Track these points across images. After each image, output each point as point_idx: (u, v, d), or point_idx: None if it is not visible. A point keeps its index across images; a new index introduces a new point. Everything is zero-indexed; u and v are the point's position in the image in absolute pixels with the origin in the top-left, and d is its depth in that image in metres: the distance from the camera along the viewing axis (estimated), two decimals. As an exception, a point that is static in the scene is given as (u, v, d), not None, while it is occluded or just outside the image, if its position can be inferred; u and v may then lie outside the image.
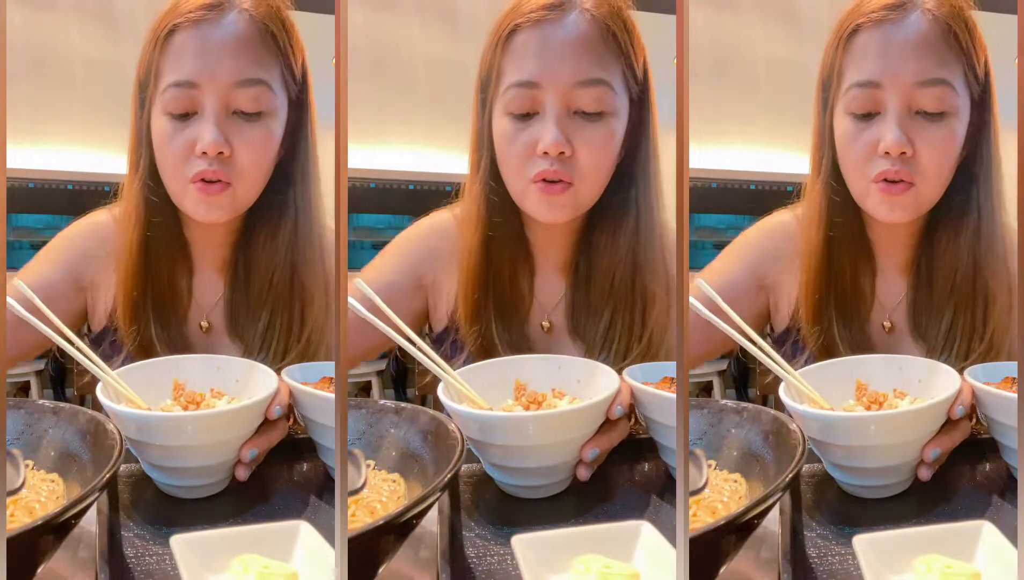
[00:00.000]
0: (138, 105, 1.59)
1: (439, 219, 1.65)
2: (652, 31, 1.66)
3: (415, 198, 1.71)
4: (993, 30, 1.65)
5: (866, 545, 1.45)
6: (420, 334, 1.61)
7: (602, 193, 1.61)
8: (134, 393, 1.51)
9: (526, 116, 1.58)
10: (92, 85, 1.66)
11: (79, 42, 1.67)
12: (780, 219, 1.66)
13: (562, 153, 1.56)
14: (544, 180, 1.57)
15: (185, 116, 1.55)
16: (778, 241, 1.65)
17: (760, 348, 1.54)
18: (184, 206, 1.58)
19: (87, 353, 1.50)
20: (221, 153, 1.54)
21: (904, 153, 1.55)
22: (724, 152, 1.76)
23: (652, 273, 1.62)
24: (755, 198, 1.72)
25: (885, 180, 1.57)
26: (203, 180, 1.54)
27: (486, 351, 1.62)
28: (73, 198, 1.66)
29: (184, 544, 1.42)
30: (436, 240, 1.64)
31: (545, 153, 1.56)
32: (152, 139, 1.57)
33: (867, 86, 1.57)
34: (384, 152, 1.74)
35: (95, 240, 1.60)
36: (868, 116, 1.57)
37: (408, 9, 1.73)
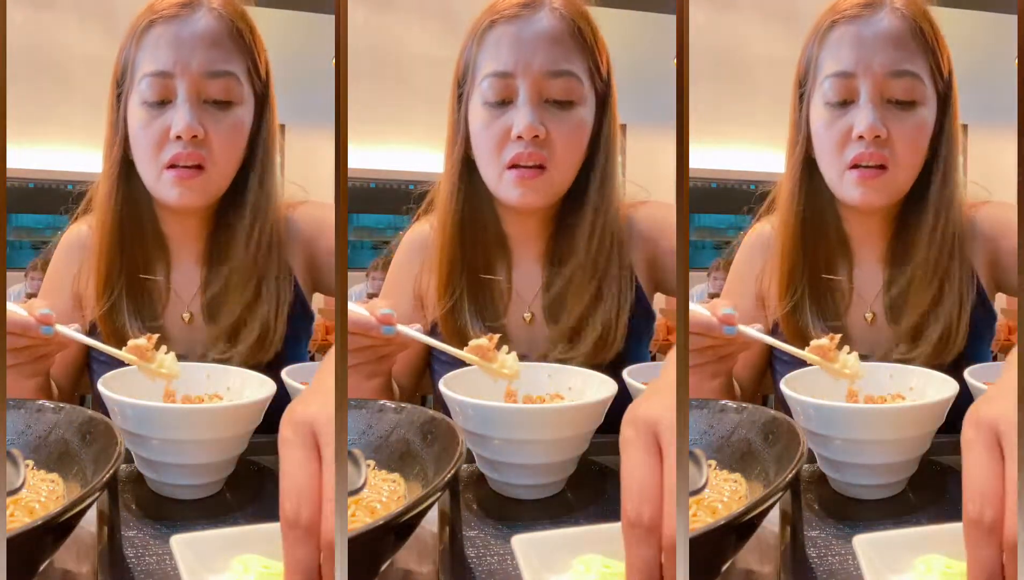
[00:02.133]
0: (114, 100, 1.63)
1: (418, 234, 1.70)
2: (651, 30, 1.67)
3: (415, 198, 1.71)
4: (992, 29, 1.67)
5: (866, 545, 1.45)
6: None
7: (571, 184, 1.66)
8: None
9: (501, 104, 1.64)
10: (92, 85, 1.67)
11: (79, 42, 1.67)
12: (760, 232, 1.71)
13: (536, 137, 1.62)
14: (518, 165, 1.63)
15: (160, 104, 1.61)
16: (765, 255, 1.70)
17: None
18: (158, 192, 1.62)
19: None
20: (195, 137, 1.60)
21: (879, 137, 1.62)
22: (724, 152, 1.76)
23: (609, 263, 1.67)
24: (755, 198, 1.73)
25: (859, 165, 1.63)
26: (177, 165, 1.60)
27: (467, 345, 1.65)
28: (73, 198, 1.66)
29: (184, 544, 1.42)
30: (420, 253, 1.69)
31: (520, 137, 1.62)
32: (128, 130, 1.62)
33: (842, 76, 1.64)
34: (384, 152, 1.74)
35: (78, 255, 1.65)
36: (843, 104, 1.64)
37: (408, 9, 1.74)
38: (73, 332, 1.53)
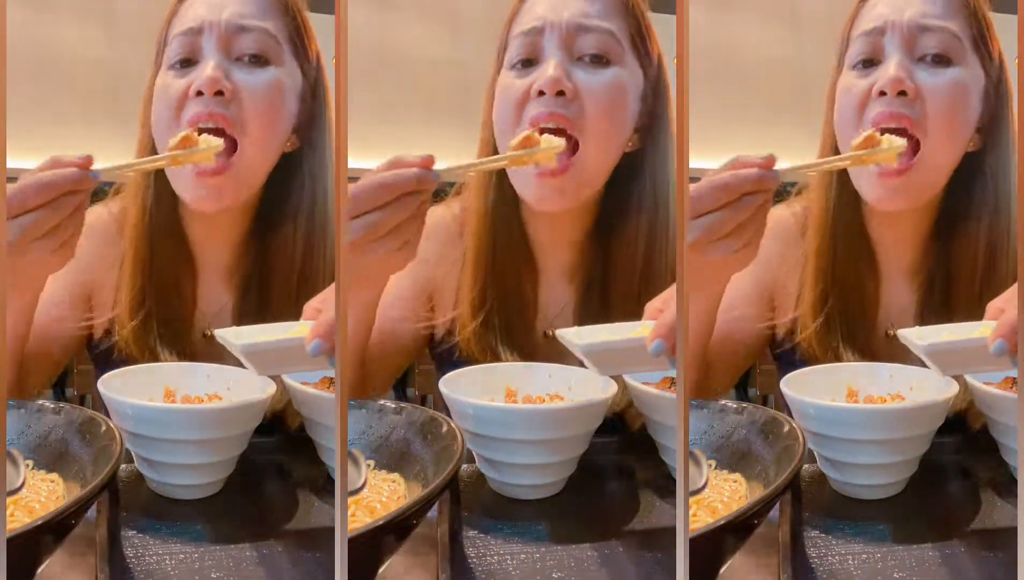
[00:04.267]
0: (151, 82, 1.52)
1: (439, 219, 1.56)
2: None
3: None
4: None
5: None
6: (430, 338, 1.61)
7: (608, 183, 1.51)
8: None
9: (527, 63, 1.47)
10: (92, 85, 1.67)
11: (79, 42, 1.67)
12: (778, 218, 1.56)
13: (561, 93, 1.43)
14: (540, 131, 1.43)
15: (187, 63, 1.46)
16: (780, 244, 1.56)
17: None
18: (177, 181, 1.47)
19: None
20: (220, 93, 1.42)
21: (903, 93, 1.42)
22: (724, 152, 1.76)
23: (660, 284, 1.49)
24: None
25: (882, 129, 1.41)
26: (198, 129, 1.40)
27: (489, 358, 1.58)
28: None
29: None
30: (440, 245, 1.54)
31: (541, 93, 1.44)
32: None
33: (870, 34, 1.45)
34: (384, 152, 1.74)
35: (94, 241, 1.51)
36: (869, 63, 1.46)
37: (408, 9, 1.73)
38: (112, 165, 1.34)
